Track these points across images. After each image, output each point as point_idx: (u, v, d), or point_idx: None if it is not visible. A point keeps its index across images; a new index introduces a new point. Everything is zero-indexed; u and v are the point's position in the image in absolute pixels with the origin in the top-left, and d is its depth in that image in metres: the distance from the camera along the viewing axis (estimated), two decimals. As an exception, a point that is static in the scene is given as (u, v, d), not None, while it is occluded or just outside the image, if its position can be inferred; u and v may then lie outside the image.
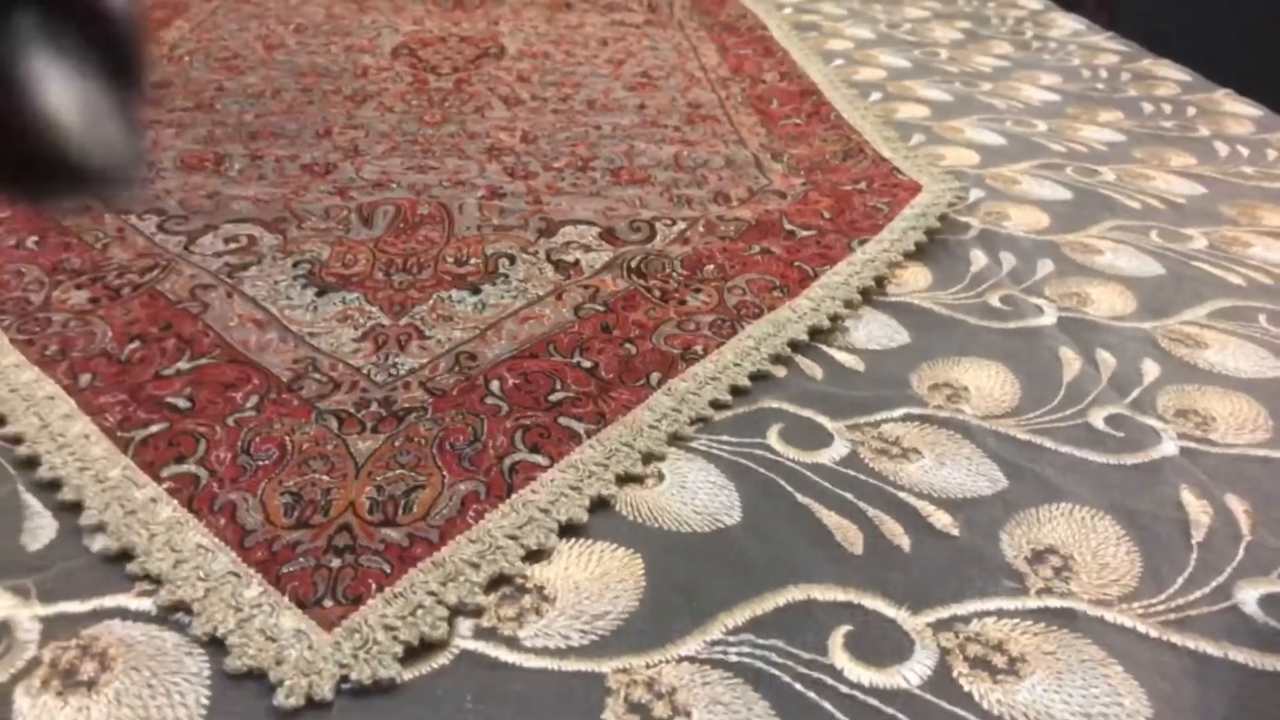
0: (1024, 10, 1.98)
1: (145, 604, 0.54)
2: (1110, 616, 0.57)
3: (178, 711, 0.48)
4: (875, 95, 1.43)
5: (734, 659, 0.53)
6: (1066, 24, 1.88)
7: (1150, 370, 0.81)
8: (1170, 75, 1.60)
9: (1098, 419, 0.75)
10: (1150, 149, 1.29)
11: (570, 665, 0.52)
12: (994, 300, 0.90)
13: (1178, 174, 1.21)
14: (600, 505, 0.63)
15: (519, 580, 0.57)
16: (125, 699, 0.49)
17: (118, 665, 0.50)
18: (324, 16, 1.65)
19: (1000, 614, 0.57)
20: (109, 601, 0.54)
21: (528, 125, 1.23)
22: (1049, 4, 2.01)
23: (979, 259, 0.97)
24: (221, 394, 0.70)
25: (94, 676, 0.50)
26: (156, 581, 0.55)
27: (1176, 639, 0.56)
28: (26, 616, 0.53)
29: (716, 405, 0.73)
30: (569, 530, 0.61)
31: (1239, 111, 1.44)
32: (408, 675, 0.51)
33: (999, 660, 0.54)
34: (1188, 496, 0.67)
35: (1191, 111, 1.43)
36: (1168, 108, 1.45)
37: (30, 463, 0.63)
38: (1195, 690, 0.53)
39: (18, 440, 0.64)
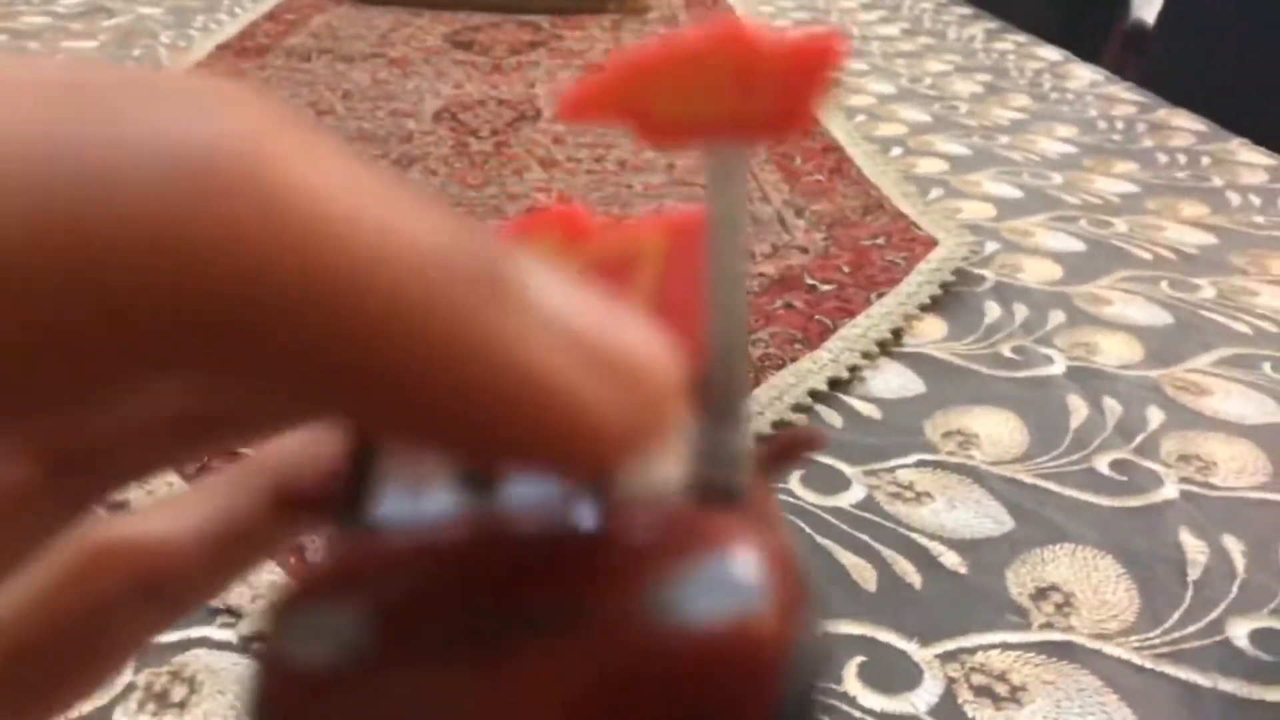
0: (1043, 61, 2.03)
1: (228, 634, 0.60)
2: (1108, 649, 0.62)
3: (258, 731, 0.54)
4: (896, 150, 1.49)
5: (756, 687, 0.58)
6: (1084, 74, 1.93)
7: (1155, 417, 0.85)
8: (1186, 125, 1.64)
9: (1102, 464, 0.79)
10: (1163, 199, 1.34)
11: (607, 692, 0.58)
12: (1006, 350, 0.95)
13: (1189, 224, 1.26)
14: (634, 546, 0.69)
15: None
16: (212, 718, 0.55)
17: (205, 688, 0.57)
18: (370, 82, 1.75)
19: (1004, 646, 0.62)
20: (195, 632, 0.60)
21: (563, 186, 1.31)
22: (1068, 55, 2.07)
23: (993, 310, 1.02)
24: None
25: (184, 699, 0.56)
26: (236, 615, 0.61)
27: (1170, 670, 0.60)
28: (123, 646, 0.59)
29: (741, 452, 0.78)
30: (605, 569, 0.67)
31: (1253, 161, 1.48)
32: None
33: (1001, 689, 0.59)
34: (1186, 537, 0.71)
35: (1206, 161, 1.48)
36: (1182, 158, 1.50)
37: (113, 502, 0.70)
38: (1186, 717, 0.57)
39: (109, 487, 0.72)
